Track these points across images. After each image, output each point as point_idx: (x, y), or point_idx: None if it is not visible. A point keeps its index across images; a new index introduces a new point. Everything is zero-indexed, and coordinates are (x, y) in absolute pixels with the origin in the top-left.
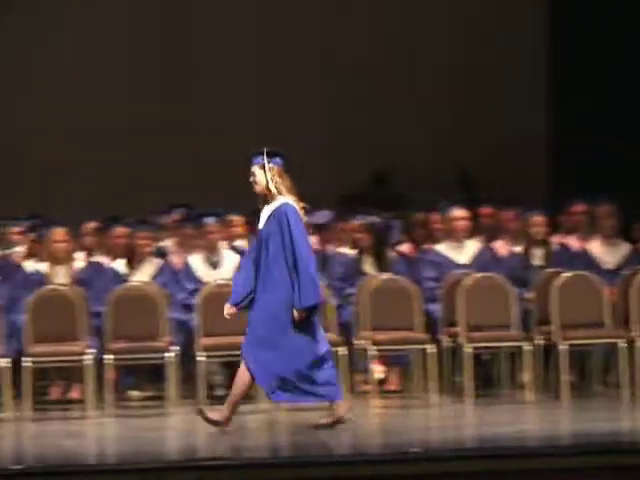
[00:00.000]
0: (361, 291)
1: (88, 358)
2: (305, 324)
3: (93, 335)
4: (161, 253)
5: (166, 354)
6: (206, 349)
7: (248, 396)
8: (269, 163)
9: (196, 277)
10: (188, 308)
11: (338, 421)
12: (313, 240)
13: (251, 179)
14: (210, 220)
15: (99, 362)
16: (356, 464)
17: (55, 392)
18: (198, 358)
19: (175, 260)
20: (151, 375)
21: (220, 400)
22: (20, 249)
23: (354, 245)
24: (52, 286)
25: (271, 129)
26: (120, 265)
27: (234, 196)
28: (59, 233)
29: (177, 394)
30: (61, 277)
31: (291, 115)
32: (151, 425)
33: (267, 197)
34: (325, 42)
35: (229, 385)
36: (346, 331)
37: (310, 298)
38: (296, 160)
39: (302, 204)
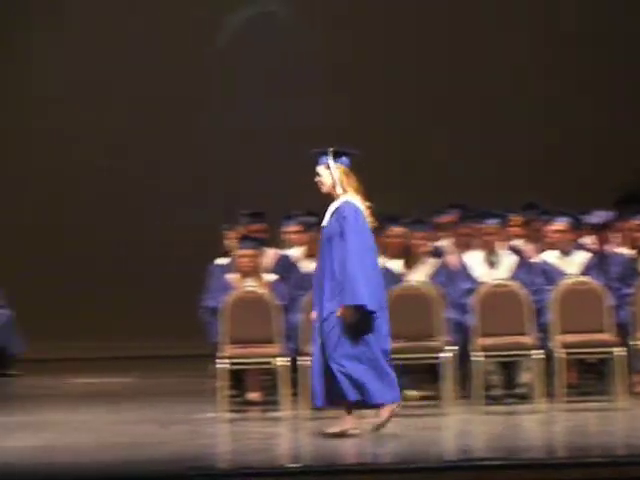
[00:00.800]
0: (638, 291)
1: None
2: (355, 326)
3: None
4: (438, 253)
5: (442, 354)
6: (483, 349)
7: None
8: (335, 163)
9: (472, 277)
10: (464, 308)
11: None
12: (591, 240)
13: (316, 179)
14: (491, 221)
15: None
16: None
17: None
18: (474, 358)
19: (451, 260)
20: (428, 375)
21: (497, 400)
22: (298, 249)
23: (633, 245)
24: None
25: None
26: (397, 265)
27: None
28: None
29: (453, 394)
30: None
31: None
32: (427, 425)
33: (333, 197)
34: None
35: (506, 385)
36: (623, 331)
37: (349, 298)
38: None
39: (368, 203)
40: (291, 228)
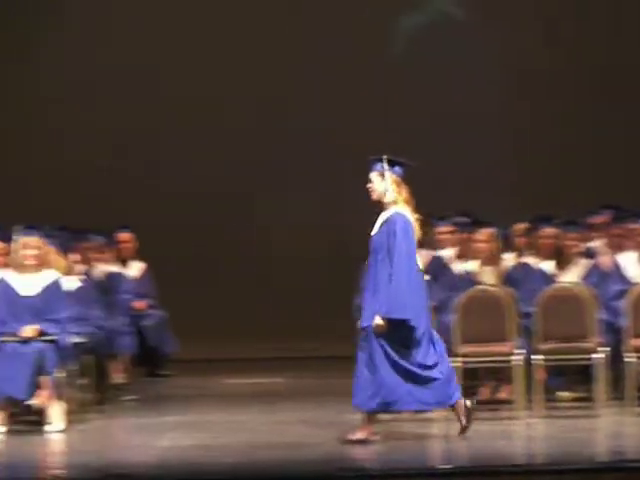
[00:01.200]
0: None
1: (517, 358)
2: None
3: (522, 335)
4: (590, 254)
5: (595, 355)
6: (636, 350)
7: None
8: (389, 171)
9: (626, 278)
10: (616, 309)
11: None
12: None
13: (368, 185)
14: None
15: (528, 362)
16: None
17: (484, 392)
18: (627, 359)
19: (604, 261)
20: (580, 376)
21: None
22: (450, 250)
23: None
24: (482, 287)
25: None
26: (549, 266)
27: None
28: (484, 233)
29: (606, 395)
30: (489, 277)
31: None
32: (580, 426)
33: (383, 205)
34: None
35: None
36: None
37: (386, 308)
38: None
39: (417, 216)
40: (444, 229)
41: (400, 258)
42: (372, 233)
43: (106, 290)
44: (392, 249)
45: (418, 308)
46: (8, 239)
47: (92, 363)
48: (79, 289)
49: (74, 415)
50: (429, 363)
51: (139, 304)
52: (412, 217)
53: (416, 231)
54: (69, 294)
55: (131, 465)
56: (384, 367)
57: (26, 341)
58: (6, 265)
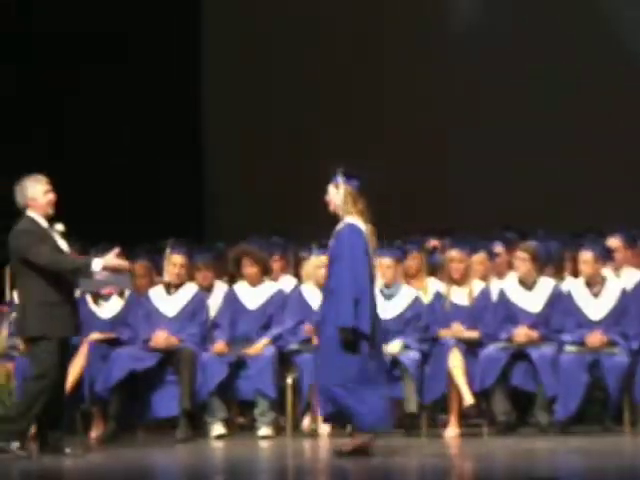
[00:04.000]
0: None
1: None
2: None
3: None
4: None
5: None
6: None
7: None
8: (344, 183)
9: None
10: None
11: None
12: None
13: (326, 197)
14: None
15: None
16: None
17: None
18: None
19: None
20: None
21: None
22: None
23: None
24: None
25: None
26: None
27: None
28: None
29: None
30: None
31: None
32: None
33: (338, 217)
34: None
35: None
36: None
37: (340, 319)
38: None
39: (371, 226)
40: None
41: (346, 266)
42: (329, 245)
43: None
44: (340, 258)
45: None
46: None
47: None
48: None
49: None
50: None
51: None
52: (365, 227)
53: (371, 241)
54: None
55: None
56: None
57: None
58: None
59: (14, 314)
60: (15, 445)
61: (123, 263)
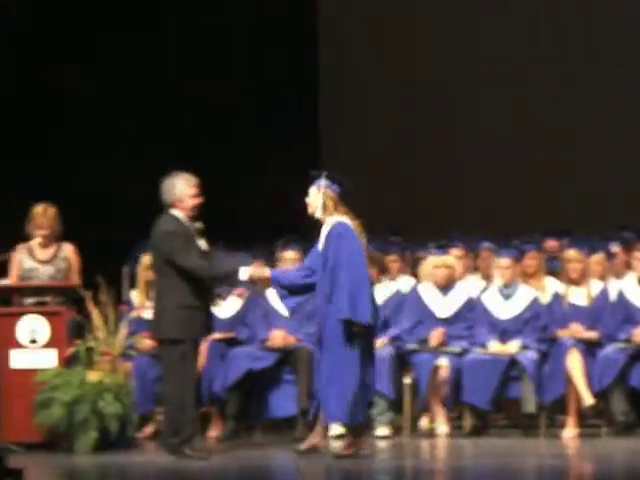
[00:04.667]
0: None
1: None
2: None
3: None
4: None
5: None
6: None
7: None
8: (325, 187)
9: None
10: None
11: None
12: None
13: (306, 199)
14: None
15: None
16: None
17: None
18: None
19: None
20: None
21: None
22: None
23: None
24: None
25: None
26: None
27: None
28: None
29: None
30: None
31: None
32: None
33: (320, 220)
34: None
35: None
36: None
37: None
38: None
39: (358, 221)
40: None
41: (342, 261)
42: (319, 248)
43: None
44: (336, 254)
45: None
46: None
47: None
48: None
49: None
50: None
51: None
52: (353, 224)
53: (360, 235)
54: None
55: None
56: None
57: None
58: None
59: (133, 313)
60: (188, 450)
61: (267, 274)
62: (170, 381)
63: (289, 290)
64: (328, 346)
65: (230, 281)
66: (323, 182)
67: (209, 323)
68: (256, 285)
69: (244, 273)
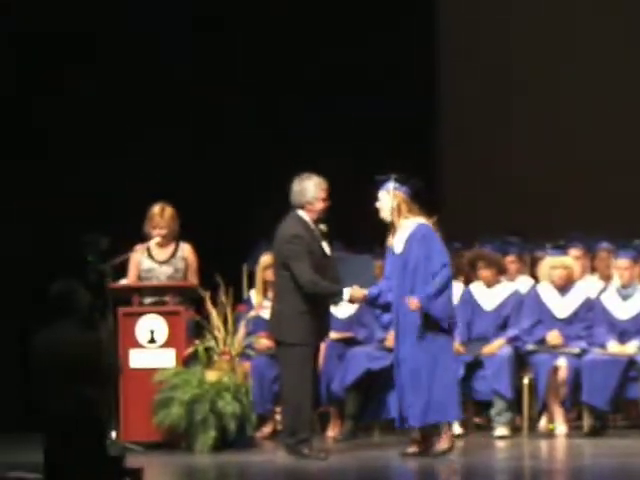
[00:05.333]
0: None
1: None
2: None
3: None
4: None
5: None
6: None
7: None
8: (395, 190)
9: None
10: None
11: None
12: None
13: (376, 204)
14: None
15: None
16: None
17: None
18: None
19: None
20: None
21: None
22: None
23: None
24: None
25: None
26: None
27: None
28: None
29: None
30: None
31: None
32: None
33: (392, 223)
34: None
35: None
36: None
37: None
38: None
39: (433, 219)
40: None
41: (427, 264)
42: (397, 252)
43: None
44: (431, 255)
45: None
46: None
47: None
48: None
49: None
50: None
51: None
52: (430, 222)
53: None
54: None
55: None
56: None
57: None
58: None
59: (251, 313)
60: (306, 449)
61: (364, 294)
62: (288, 382)
63: (384, 309)
64: (425, 349)
65: (333, 300)
66: (392, 185)
67: (326, 326)
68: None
69: (346, 294)
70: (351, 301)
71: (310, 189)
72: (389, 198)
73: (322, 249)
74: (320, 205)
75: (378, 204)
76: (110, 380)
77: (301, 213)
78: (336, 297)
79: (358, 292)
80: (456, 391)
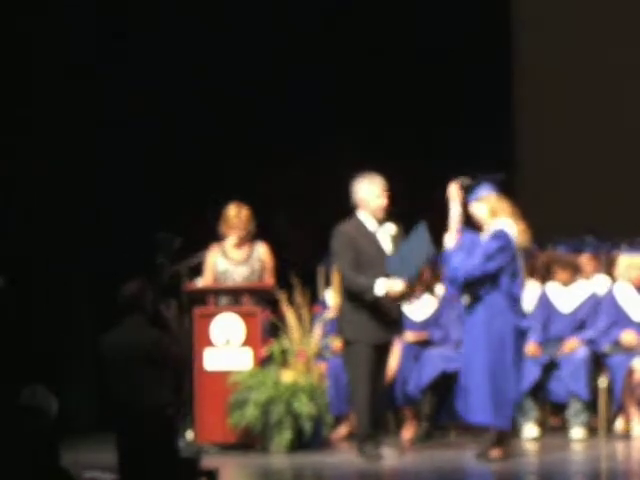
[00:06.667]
0: None
1: None
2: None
3: None
4: None
5: None
6: None
7: None
8: (484, 194)
9: None
10: None
11: None
12: None
13: (474, 216)
14: None
15: None
16: None
17: None
18: None
19: None
20: None
21: None
22: None
23: None
24: None
25: None
26: None
27: None
28: None
29: None
30: None
31: None
32: None
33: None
34: None
35: None
36: None
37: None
38: None
39: (522, 226)
40: None
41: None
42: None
43: None
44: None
45: None
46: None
47: None
48: None
49: None
50: None
51: None
52: (515, 228)
53: (522, 240)
54: None
55: None
56: None
57: None
58: None
59: (327, 313)
60: (369, 448)
61: (401, 291)
62: (349, 382)
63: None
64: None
65: (367, 296)
66: (479, 193)
67: (391, 326)
68: (392, 299)
69: (379, 288)
70: (388, 296)
71: (361, 187)
72: (478, 203)
73: (379, 249)
74: (375, 203)
75: (472, 210)
76: (180, 378)
77: (358, 213)
78: (367, 293)
79: (395, 289)
80: (511, 398)
